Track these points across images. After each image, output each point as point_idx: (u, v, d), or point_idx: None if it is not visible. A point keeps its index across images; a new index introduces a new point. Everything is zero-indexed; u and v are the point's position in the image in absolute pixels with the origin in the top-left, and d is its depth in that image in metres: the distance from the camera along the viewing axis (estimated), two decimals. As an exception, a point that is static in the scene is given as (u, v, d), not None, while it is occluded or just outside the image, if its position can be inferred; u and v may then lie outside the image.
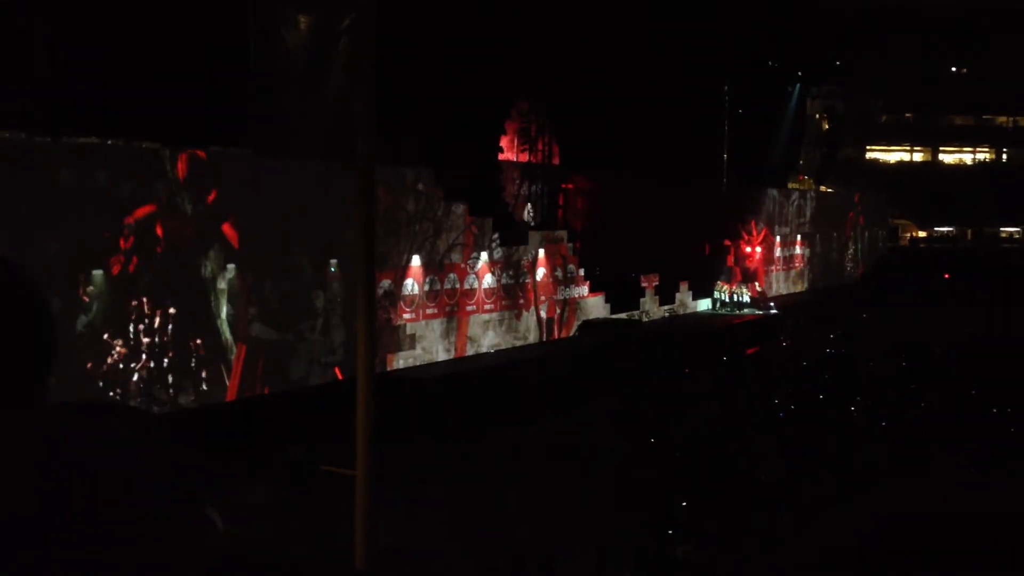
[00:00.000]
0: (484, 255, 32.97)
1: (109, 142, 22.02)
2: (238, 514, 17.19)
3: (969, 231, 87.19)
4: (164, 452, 1.53)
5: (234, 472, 18.95)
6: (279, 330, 25.48)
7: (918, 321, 47.82)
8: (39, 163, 20.31)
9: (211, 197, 23.67)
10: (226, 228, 24.12)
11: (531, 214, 40.28)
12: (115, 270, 21.50)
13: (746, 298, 48.76)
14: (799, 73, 63.55)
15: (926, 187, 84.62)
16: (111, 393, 21.38)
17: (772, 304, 49.76)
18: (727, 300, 48.40)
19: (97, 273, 21.14)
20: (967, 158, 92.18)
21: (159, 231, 22.52)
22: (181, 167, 23.05)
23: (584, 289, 38.69)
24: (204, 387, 23.48)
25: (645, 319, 41.96)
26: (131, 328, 21.94)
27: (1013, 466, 22.32)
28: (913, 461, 22.72)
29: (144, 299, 22.14)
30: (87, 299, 20.98)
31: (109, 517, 1.28)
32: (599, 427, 26.24)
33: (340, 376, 26.56)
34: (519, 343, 34.59)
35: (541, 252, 36.18)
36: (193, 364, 23.25)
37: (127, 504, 1.31)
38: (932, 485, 21.16)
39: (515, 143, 39.89)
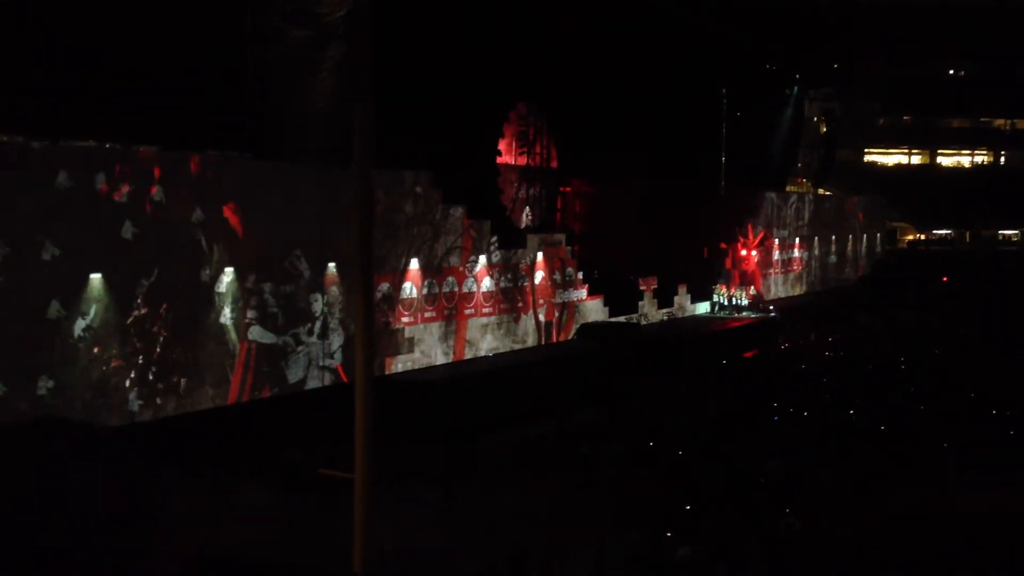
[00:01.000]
0: (482, 258, 32.98)
1: (107, 146, 22.02)
2: (238, 516, 17.20)
3: (967, 234, 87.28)
4: (110, 465, 1.56)
5: (233, 475, 18.96)
6: (278, 333, 25.48)
7: (916, 323, 47.84)
8: (37, 166, 20.30)
9: (210, 201, 23.65)
10: (224, 230, 24.10)
11: (529, 217, 40.26)
12: (113, 274, 21.47)
13: (744, 301, 48.80)
14: (797, 76, 63.63)
15: (924, 190, 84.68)
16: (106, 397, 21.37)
17: (771, 307, 49.79)
18: (725, 303, 48.43)
19: (95, 276, 21.13)
20: (965, 161, 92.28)
21: (157, 234, 22.49)
22: (179, 170, 23.04)
23: (583, 292, 38.71)
24: (205, 390, 23.46)
25: (643, 322, 42.00)
26: (130, 333, 21.91)
27: (1013, 467, 22.34)
28: (913, 462, 22.73)
29: (142, 304, 22.11)
30: (85, 303, 20.95)
31: (52, 529, 1.29)
32: (598, 430, 26.24)
33: (345, 378, 26.55)
34: (518, 347, 34.58)
35: (539, 255, 36.19)
36: (192, 367, 23.22)
37: (71, 515, 1.32)
38: (932, 486, 21.16)
39: (513, 146, 39.89)
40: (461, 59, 32.02)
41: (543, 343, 35.93)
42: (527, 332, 35.26)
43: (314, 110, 26.13)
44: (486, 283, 33.15)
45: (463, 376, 29.45)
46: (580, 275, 38.60)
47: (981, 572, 16.58)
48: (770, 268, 57.09)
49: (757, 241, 52.47)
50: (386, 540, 14.78)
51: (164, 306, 22.57)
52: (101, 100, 21.61)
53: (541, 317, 35.99)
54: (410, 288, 29.72)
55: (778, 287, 57.93)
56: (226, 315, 24.10)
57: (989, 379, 31.55)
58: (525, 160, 40.01)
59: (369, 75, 13.27)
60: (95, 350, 21.11)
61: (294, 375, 25.92)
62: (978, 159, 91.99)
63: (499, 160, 38.22)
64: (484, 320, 33.07)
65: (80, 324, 20.85)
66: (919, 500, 20.20)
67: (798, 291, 60.69)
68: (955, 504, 20.00)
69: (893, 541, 17.83)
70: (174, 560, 12.31)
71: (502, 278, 34.04)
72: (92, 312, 21.08)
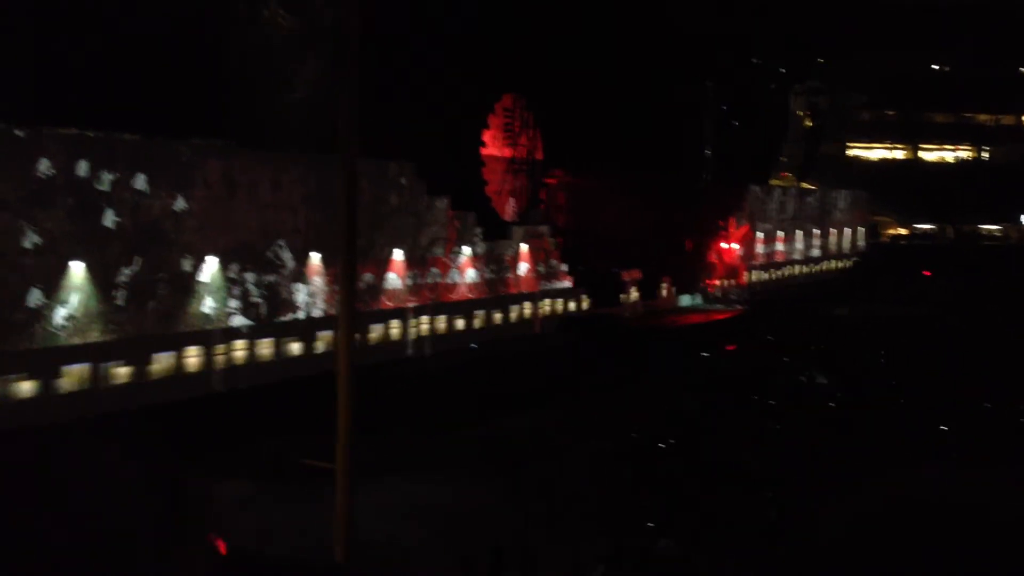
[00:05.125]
0: (467, 249, 32.95)
1: (90, 134, 21.89)
2: (220, 507, 17.15)
3: (949, 228, 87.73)
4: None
5: (216, 465, 18.91)
6: (260, 321, 25.40)
7: (897, 317, 48.02)
8: (20, 153, 20.17)
9: (193, 189, 23.56)
10: (207, 219, 24.01)
11: (514, 208, 40.29)
12: (94, 261, 21.38)
13: (731, 294, 48.91)
14: (782, 70, 63.78)
15: (907, 184, 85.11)
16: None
17: (752, 298, 49.89)
18: (709, 295, 48.54)
19: (77, 264, 21.03)
20: (948, 156, 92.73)
21: (139, 223, 22.40)
22: (162, 158, 22.93)
23: (566, 284, 38.72)
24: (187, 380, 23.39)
25: (626, 314, 42.03)
26: (111, 319, 21.83)
27: (992, 461, 22.46)
28: (893, 456, 22.82)
29: (123, 292, 22.03)
30: (66, 290, 20.86)
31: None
32: (580, 422, 26.23)
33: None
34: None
35: (524, 247, 36.18)
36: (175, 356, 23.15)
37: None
38: (911, 479, 21.25)
39: (498, 137, 39.87)
40: (447, 50, 31.97)
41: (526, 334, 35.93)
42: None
43: (300, 100, 26.08)
44: (470, 274, 33.11)
45: (447, 366, 29.42)
46: (564, 267, 38.61)
47: (958, 565, 16.69)
48: (753, 260, 57.20)
49: (742, 233, 52.59)
50: (367, 531, 14.81)
51: (145, 295, 22.49)
52: (85, 88, 21.51)
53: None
54: (394, 278, 29.68)
55: (761, 279, 58.03)
56: (208, 304, 24.02)
57: (970, 373, 31.69)
58: (510, 151, 40.01)
59: (355, 66, 13.25)
60: (76, 338, 21.02)
61: (275, 364, 25.83)
62: (961, 154, 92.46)
63: (484, 151, 38.19)
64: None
65: (61, 312, 20.76)
66: (895, 493, 20.28)
67: (782, 283, 60.81)
68: (931, 496, 20.09)
69: (869, 534, 17.94)
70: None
71: (486, 269, 34.02)
72: (73, 300, 20.98)
